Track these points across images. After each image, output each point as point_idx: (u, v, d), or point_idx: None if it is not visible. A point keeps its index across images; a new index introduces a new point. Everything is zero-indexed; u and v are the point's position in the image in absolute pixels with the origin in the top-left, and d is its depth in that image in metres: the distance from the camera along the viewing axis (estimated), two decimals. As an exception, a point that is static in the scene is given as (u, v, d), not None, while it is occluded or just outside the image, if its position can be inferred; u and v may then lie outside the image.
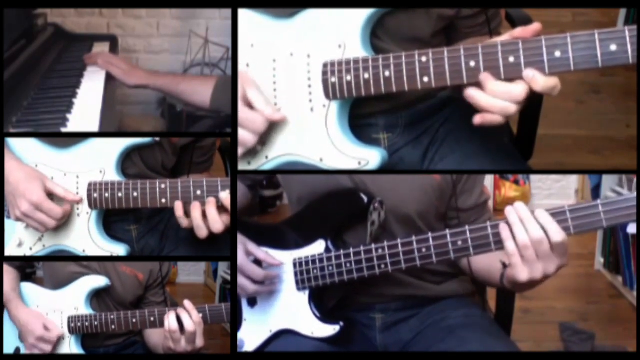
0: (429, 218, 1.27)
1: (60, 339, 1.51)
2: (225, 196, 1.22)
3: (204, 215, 1.22)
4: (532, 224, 1.00)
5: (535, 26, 0.97)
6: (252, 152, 1.16)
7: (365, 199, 1.20)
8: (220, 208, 1.22)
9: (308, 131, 1.13)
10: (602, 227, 1.00)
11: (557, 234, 0.99)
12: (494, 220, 1.34)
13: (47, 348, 1.50)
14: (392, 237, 1.15)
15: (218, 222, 1.21)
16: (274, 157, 1.16)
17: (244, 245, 1.25)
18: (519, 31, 0.97)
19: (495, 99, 0.98)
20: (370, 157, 1.10)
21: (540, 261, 1.00)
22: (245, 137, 1.11)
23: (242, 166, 1.18)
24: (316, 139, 1.12)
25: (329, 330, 1.21)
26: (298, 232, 1.25)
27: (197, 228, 1.23)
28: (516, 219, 1.02)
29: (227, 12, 2.30)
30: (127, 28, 2.64)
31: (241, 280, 1.23)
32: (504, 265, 1.09)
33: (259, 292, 1.25)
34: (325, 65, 1.10)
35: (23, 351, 1.56)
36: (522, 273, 1.01)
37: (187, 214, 1.23)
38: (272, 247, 1.26)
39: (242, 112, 1.10)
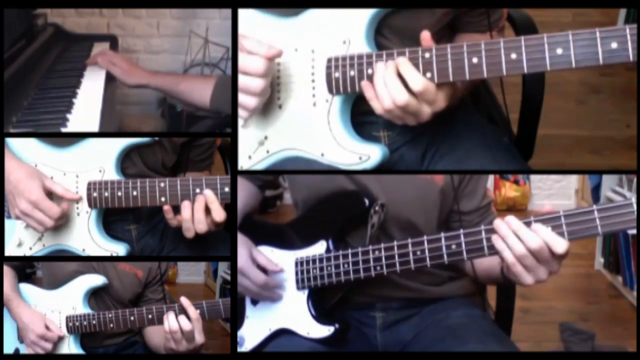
0: (431, 223, 1.27)
1: (60, 339, 1.50)
2: (208, 193, 1.22)
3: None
4: (526, 233, 0.99)
5: None
6: (255, 143, 1.17)
7: (367, 201, 1.21)
8: (206, 208, 1.23)
9: (310, 126, 1.13)
10: (597, 234, 0.97)
11: (560, 246, 0.98)
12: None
13: (48, 346, 1.49)
14: (393, 241, 1.14)
15: (202, 223, 1.23)
16: (275, 151, 1.16)
17: (249, 250, 1.25)
18: None
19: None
20: (371, 152, 1.10)
21: (542, 265, 1.00)
22: (250, 82, 1.08)
23: (242, 163, 1.18)
24: (318, 134, 1.12)
25: (323, 331, 1.21)
26: (301, 232, 1.26)
27: (186, 230, 1.24)
28: (508, 231, 1.01)
29: (227, 12, 2.29)
30: (127, 28, 2.64)
31: (245, 282, 1.24)
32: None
33: (261, 295, 1.25)
34: (329, 60, 1.10)
35: (23, 351, 1.55)
36: (527, 278, 1.01)
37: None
38: (277, 246, 1.27)
39: (241, 58, 1.09)
